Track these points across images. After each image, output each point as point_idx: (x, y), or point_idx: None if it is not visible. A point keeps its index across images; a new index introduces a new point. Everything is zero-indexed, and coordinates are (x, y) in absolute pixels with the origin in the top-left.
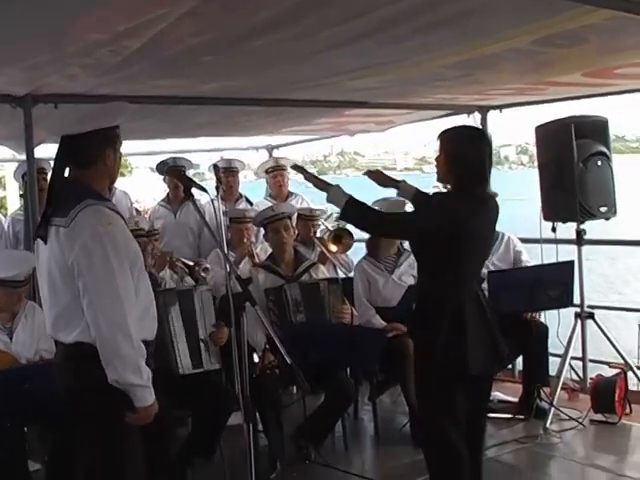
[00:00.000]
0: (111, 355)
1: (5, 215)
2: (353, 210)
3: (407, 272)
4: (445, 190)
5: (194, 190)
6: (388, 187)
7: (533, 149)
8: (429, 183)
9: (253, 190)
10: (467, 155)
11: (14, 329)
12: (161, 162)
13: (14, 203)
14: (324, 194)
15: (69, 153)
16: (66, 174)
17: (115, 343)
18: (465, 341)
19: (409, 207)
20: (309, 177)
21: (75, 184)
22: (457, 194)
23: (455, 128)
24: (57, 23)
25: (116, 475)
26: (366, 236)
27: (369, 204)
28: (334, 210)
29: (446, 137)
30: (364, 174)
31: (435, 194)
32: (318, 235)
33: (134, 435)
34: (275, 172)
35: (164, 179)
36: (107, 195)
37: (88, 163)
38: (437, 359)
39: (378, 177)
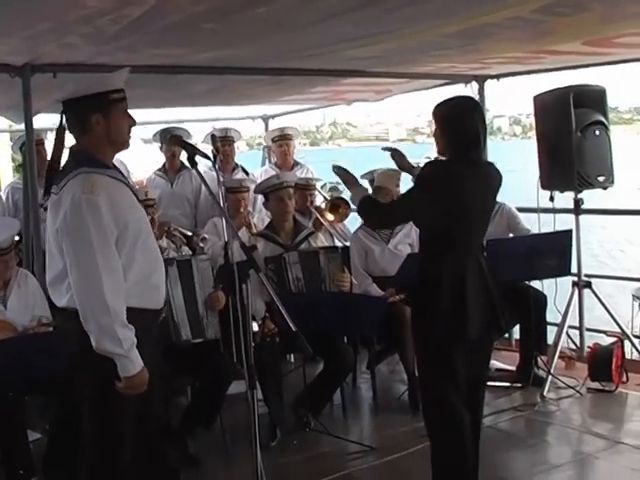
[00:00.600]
0: (88, 323)
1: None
2: (364, 204)
3: (403, 241)
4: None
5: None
6: (404, 171)
7: (526, 120)
8: (421, 153)
9: (246, 160)
10: (460, 124)
11: (7, 297)
12: (163, 130)
13: (7, 174)
14: (323, 166)
15: (66, 122)
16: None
17: (90, 311)
18: (465, 307)
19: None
20: (345, 176)
21: (76, 152)
22: (452, 163)
23: (448, 100)
24: None
25: (110, 443)
26: None
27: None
28: (329, 180)
29: (439, 109)
30: (384, 149)
31: (427, 164)
32: (316, 204)
33: (129, 402)
34: (281, 141)
35: (161, 148)
36: (109, 162)
37: (81, 130)
38: (437, 325)
39: (399, 158)
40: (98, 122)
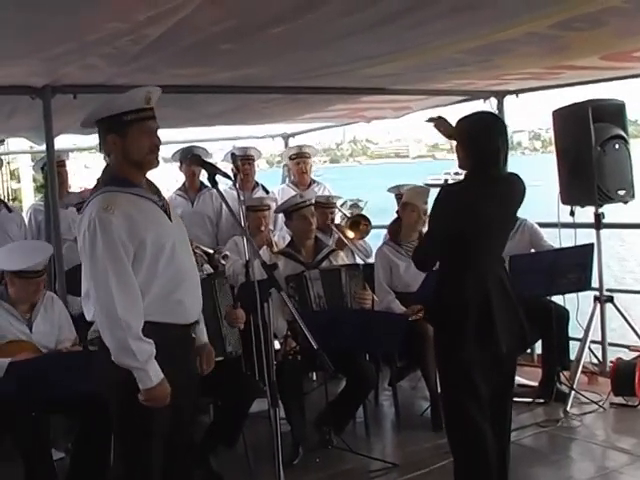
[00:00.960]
0: (105, 337)
1: (21, 208)
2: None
3: None
4: (456, 177)
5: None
6: (450, 139)
7: (546, 135)
8: (442, 170)
9: (266, 179)
10: (480, 141)
11: (33, 320)
12: (183, 150)
13: (29, 195)
14: (343, 183)
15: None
16: None
17: (106, 325)
18: (493, 324)
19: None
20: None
21: (104, 172)
22: (470, 179)
23: (469, 115)
24: (76, 13)
25: (138, 458)
26: (385, 222)
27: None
28: (349, 197)
29: (460, 124)
30: (427, 121)
31: (443, 187)
32: (336, 222)
33: (157, 415)
34: (298, 159)
35: (180, 168)
36: (138, 180)
37: (106, 151)
38: (465, 343)
39: (444, 127)
40: (115, 143)
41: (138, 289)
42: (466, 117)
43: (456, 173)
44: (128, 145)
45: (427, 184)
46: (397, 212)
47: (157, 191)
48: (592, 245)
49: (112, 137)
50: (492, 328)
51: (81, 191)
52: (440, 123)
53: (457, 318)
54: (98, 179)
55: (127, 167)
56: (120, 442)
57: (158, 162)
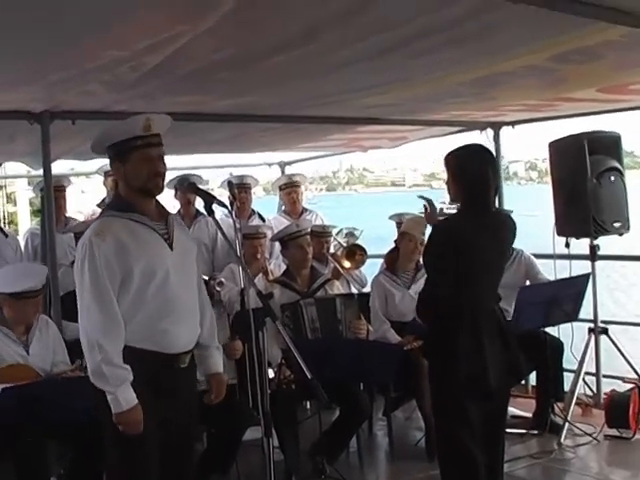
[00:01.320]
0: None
1: (17, 231)
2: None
3: None
4: (452, 206)
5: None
6: (429, 223)
7: (542, 165)
8: (437, 199)
9: (263, 206)
10: (469, 173)
11: (30, 342)
12: (179, 178)
13: (25, 219)
14: (339, 211)
15: None
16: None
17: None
18: (483, 356)
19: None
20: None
21: (114, 196)
22: (464, 211)
23: (458, 148)
24: (77, 41)
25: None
26: (381, 251)
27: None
28: (345, 225)
29: (450, 158)
30: (419, 197)
31: (435, 226)
32: (331, 251)
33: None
34: (289, 189)
35: (175, 195)
36: (143, 206)
37: (115, 176)
38: (454, 373)
39: (430, 210)
40: (118, 169)
41: (119, 315)
42: (455, 150)
43: (450, 203)
44: (128, 172)
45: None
46: (395, 241)
47: (166, 218)
48: (589, 275)
49: (115, 164)
50: (482, 360)
51: (85, 220)
52: (429, 206)
53: (448, 348)
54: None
55: (131, 193)
56: (110, 459)
57: (161, 189)
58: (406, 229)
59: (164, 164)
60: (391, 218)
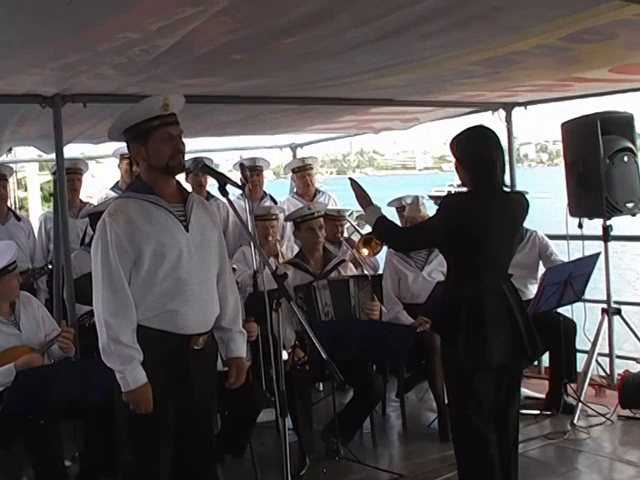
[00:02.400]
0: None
1: (27, 216)
2: (382, 228)
3: (437, 269)
4: (460, 189)
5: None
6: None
7: (552, 147)
8: (448, 181)
9: (273, 189)
10: (475, 155)
11: (19, 320)
12: (192, 160)
13: (35, 204)
14: (345, 193)
15: None
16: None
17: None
18: (484, 334)
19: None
20: (359, 192)
21: (135, 178)
22: (472, 192)
23: (463, 131)
24: (89, 24)
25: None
26: None
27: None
28: (356, 208)
29: (455, 141)
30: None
31: (447, 195)
32: (345, 234)
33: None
34: (302, 172)
35: (186, 178)
36: (163, 187)
37: (134, 159)
38: (457, 350)
39: (358, 189)
40: (138, 151)
41: (128, 294)
42: (459, 134)
43: (459, 185)
44: (150, 152)
45: (431, 196)
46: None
47: (185, 198)
48: (598, 254)
49: (135, 146)
50: (483, 338)
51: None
52: (354, 185)
53: (453, 327)
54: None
55: (153, 174)
56: (122, 448)
57: (183, 167)
58: (407, 214)
59: (183, 143)
60: (390, 205)
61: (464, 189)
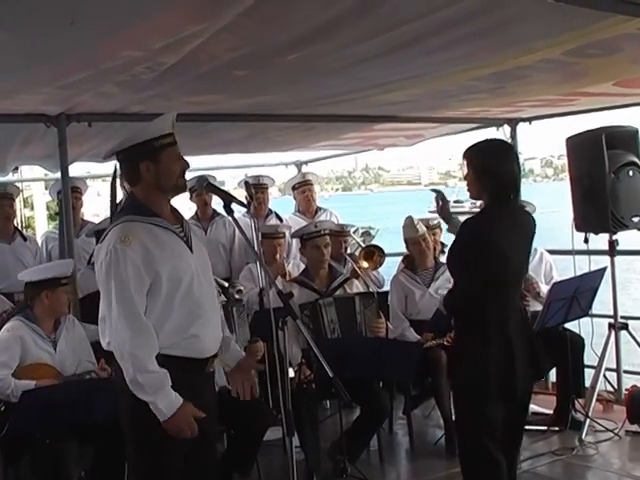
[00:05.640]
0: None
1: (34, 235)
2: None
3: (444, 285)
4: (456, 205)
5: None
6: (441, 217)
7: (558, 162)
8: (450, 197)
9: (279, 206)
10: (496, 168)
11: (57, 340)
12: (197, 179)
13: (42, 223)
14: (350, 210)
15: (121, 172)
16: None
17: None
18: (513, 359)
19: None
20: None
21: (126, 200)
22: (488, 212)
23: (480, 143)
24: (93, 42)
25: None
26: (397, 249)
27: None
28: (361, 225)
29: (472, 153)
30: (432, 190)
31: (466, 221)
32: (349, 250)
33: (168, 449)
34: (302, 187)
35: (191, 197)
36: (162, 208)
37: (133, 179)
38: (485, 378)
39: (442, 202)
40: (148, 169)
41: (147, 323)
42: (479, 145)
43: (456, 201)
44: (162, 170)
45: (430, 211)
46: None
47: (181, 219)
48: (605, 268)
49: (145, 164)
50: (512, 365)
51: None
52: (439, 198)
53: (478, 350)
54: (119, 208)
55: (154, 195)
56: (133, 473)
57: (186, 186)
58: (405, 236)
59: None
60: None
61: (462, 205)
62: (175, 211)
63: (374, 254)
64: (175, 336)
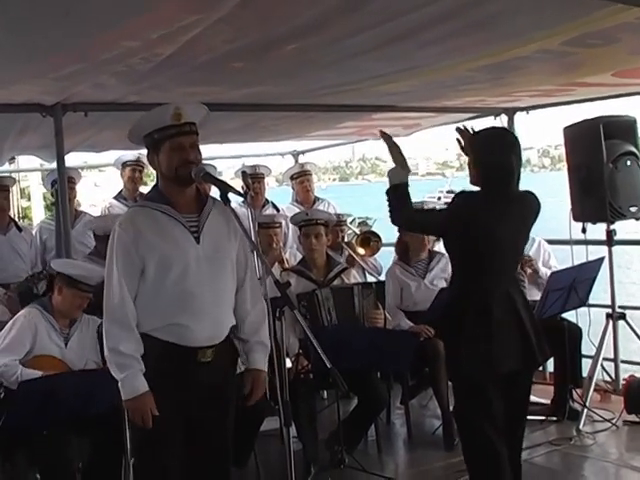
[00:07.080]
0: None
1: (31, 226)
2: (396, 195)
3: (439, 276)
4: (449, 195)
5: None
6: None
7: (555, 152)
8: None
9: (276, 196)
10: (485, 160)
11: (70, 336)
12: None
13: (39, 214)
14: (347, 200)
15: None
16: None
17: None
18: (490, 340)
19: None
20: (392, 147)
21: (154, 186)
22: (484, 195)
23: (483, 130)
24: (90, 33)
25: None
26: (394, 240)
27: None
28: (358, 215)
29: (474, 139)
30: (456, 130)
31: (460, 193)
32: (346, 239)
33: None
34: (301, 177)
35: None
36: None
37: (153, 168)
38: (463, 357)
39: (391, 146)
40: (153, 160)
41: (131, 305)
42: (480, 132)
43: (449, 192)
44: (161, 162)
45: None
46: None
47: (200, 209)
48: (602, 259)
49: (150, 154)
50: (489, 344)
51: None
52: (465, 135)
53: (458, 331)
54: None
55: (166, 183)
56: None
57: (192, 178)
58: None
59: (197, 152)
60: None
61: (452, 195)
62: (200, 200)
63: (370, 240)
64: (161, 320)
